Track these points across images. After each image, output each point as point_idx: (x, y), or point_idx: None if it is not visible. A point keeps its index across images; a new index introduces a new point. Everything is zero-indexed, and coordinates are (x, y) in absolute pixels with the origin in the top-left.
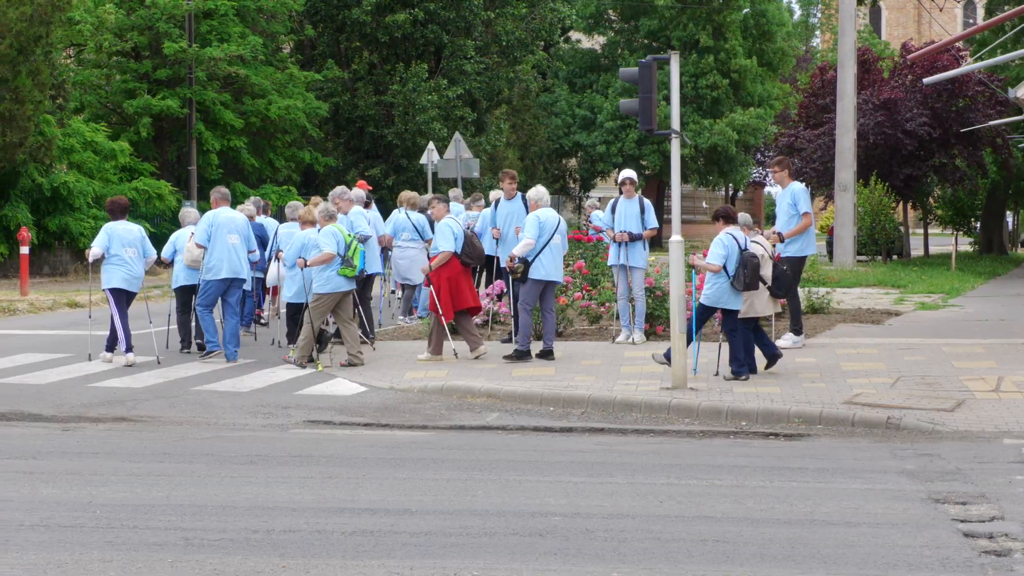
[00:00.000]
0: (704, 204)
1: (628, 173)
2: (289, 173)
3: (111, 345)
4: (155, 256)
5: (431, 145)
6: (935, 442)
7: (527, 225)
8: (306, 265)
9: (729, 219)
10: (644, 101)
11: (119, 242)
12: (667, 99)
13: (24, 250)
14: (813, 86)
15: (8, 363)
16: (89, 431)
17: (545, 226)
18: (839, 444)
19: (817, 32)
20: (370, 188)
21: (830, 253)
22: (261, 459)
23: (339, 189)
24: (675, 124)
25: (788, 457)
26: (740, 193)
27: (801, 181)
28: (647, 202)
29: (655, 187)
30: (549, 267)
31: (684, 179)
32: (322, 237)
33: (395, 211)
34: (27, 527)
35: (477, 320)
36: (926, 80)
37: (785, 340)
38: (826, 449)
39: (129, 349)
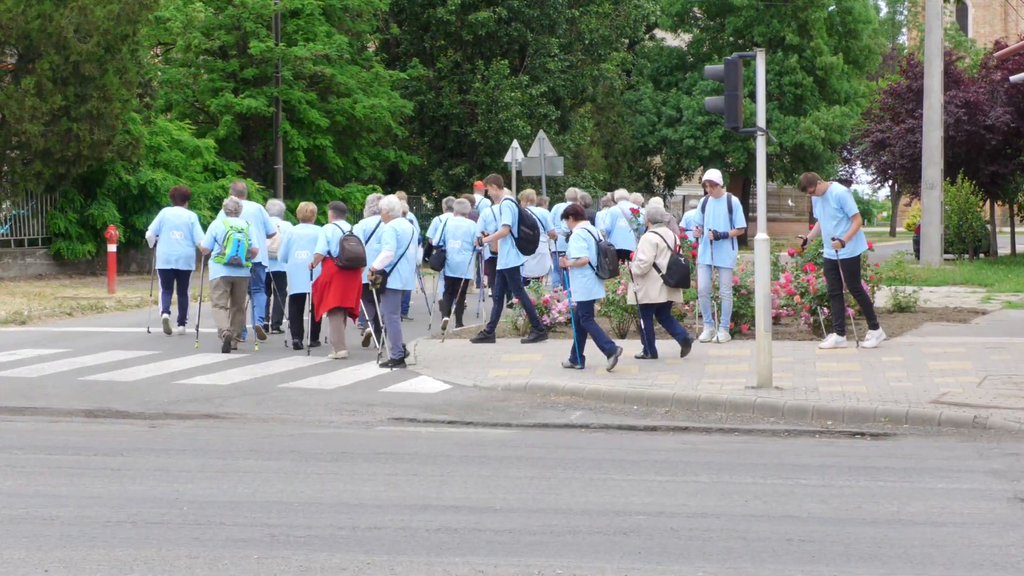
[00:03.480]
0: (790, 202)
1: (709, 175)
2: (374, 172)
3: (181, 319)
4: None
5: (515, 143)
6: (1022, 441)
7: (386, 238)
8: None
9: (578, 216)
10: (730, 99)
11: (168, 225)
12: (751, 96)
13: (112, 248)
14: (898, 88)
15: (96, 360)
16: (176, 428)
17: (402, 238)
18: (925, 443)
19: (904, 29)
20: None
21: (917, 251)
22: (346, 456)
23: (372, 196)
24: (760, 122)
25: (874, 457)
26: None
27: (888, 178)
28: (735, 201)
29: (740, 184)
30: (406, 276)
31: (769, 177)
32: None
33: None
34: (114, 523)
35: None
36: (1012, 78)
37: (869, 340)
38: (912, 448)
39: (165, 312)
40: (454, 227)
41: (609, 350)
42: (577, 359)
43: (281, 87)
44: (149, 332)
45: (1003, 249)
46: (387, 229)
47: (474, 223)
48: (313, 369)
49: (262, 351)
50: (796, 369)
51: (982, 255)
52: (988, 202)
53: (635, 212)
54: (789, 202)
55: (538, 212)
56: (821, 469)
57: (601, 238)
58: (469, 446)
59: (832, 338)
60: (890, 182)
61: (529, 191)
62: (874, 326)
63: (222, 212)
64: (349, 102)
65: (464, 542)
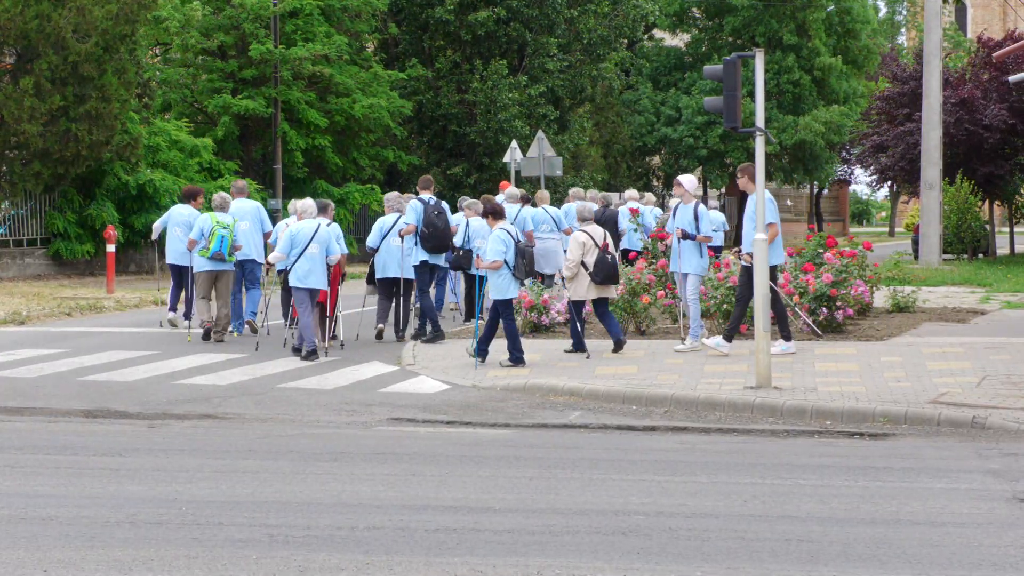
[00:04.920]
0: (788, 202)
1: (680, 177)
2: (373, 172)
3: (187, 313)
4: (240, 244)
5: (514, 143)
6: (1020, 442)
7: (281, 239)
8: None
9: (497, 215)
10: (729, 98)
11: (173, 222)
12: (750, 96)
13: (110, 248)
14: (890, 93)
15: (95, 360)
16: (175, 428)
17: (296, 239)
18: (924, 444)
19: (903, 30)
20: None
21: (915, 251)
22: (345, 456)
23: (391, 195)
24: (759, 122)
25: (873, 457)
26: (825, 191)
27: (887, 180)
28: (702, 209)
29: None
30: (303, 275)
31: (768, 176)
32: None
33: (528, 206)
34: (113, 524)
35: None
36: (1011, 78)
37: (775, 347)
38: (911, 449)
39: (172, 310)
40: (478, 227)
41: (516, 357)
42: (477, 351)
43: (280, 87)
44: (162, 326)
45: (1002, 249)
46: (284, 231)
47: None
48: (312, 369)
49: (260, 351)
50: (795, 369)
51: (981, 255)
52: (987, 202)
53: (635, 212)
54: (788, 202)
55: (552, 211)
56: (820, 469)
57: (520, 239)
58: (468, 446)
59: (778, 345)
60: (889, 183)
61: (544, 192)
62: (787, 337)
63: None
64: (348, 102)
65: (463, 542)
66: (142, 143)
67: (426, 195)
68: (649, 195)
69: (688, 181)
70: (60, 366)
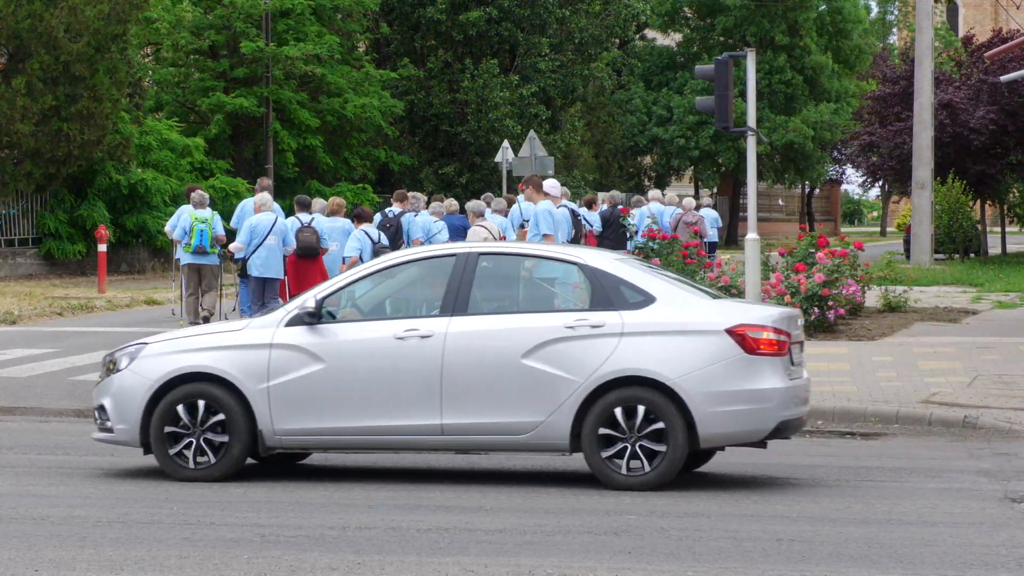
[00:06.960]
0: (780, 202)
1: (544, 185)
2: (365, 171)
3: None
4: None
5: (506, 143)
6: (1012, 441)
7: (241, 229)
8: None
9: (361, 218)
10: (720, 98)
11: (186, 221)
12: (742, 95)
13: (102, 248)
14: (882, 93)
15: (86, 360)
16: None
17: (256, 229)
18: (915, 443)
19: (894, 29)
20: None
21: (907, 251)
22: (337, 456)
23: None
24: (751, 122)
25: (864, 456)
26: (816, 191)
27: (878, 179)
28: (533, 210)
29: (731, 184)
30: (261, 265)
31: (760, 176)
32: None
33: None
34: (104, 523)
35: None
36: (1003, 78)
37: None
38: (902, 448)
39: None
40: (476, 232)
41: None
42: None
43: (271, 87)
44: (174, 314)
45: (994, 249)
46: (245, 223)
47: (503, 219)
48: None
49: None
50: None
51: (972, 255)
52: (979, 202)
53: (625, 211)
54: (779, 202)
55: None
56: (811, 469)
57: (378, 240)
58: None
59: None
60: (880, 182)
61: (563, 190)
62: None
63: (189, 205)
64: (340, 102)
65: (454, 542)
66: (133, 143)
67: (396, 207)
68: (672, 195)
69: (552, 187)
70: (52, 366)
